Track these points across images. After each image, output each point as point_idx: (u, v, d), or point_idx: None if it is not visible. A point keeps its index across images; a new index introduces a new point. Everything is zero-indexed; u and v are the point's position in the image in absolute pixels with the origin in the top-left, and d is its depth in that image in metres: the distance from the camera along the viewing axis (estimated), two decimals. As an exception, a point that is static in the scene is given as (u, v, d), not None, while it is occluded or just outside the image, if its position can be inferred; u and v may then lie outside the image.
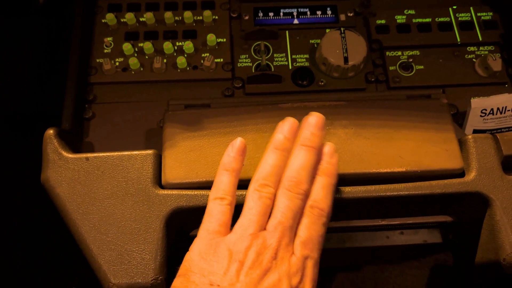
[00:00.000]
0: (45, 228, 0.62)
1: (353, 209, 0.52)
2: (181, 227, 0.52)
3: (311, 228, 0.43)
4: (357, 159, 0.52)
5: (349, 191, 0.50)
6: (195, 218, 0.52)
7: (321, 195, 0.45)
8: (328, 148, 0.47)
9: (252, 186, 0.45)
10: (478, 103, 0.56)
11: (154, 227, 0.48)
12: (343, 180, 0.50)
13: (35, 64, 0.69)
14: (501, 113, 0.57)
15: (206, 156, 0.51)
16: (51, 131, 0.52)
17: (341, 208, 0.50)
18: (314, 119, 0.47)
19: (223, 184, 0.45)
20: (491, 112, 0.57)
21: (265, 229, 0.43)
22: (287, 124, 0.47)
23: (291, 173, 0.45)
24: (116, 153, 0.51)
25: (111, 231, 0.48)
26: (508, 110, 0.57)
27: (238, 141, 0.47)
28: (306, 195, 0.45)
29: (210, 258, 0.41)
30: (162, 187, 0.51)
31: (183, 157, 0.51)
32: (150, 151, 0.51)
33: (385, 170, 0.51)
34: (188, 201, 0.49)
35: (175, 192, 0.49)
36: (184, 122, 0.53)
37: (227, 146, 0.51)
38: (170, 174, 0.51)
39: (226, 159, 0.46)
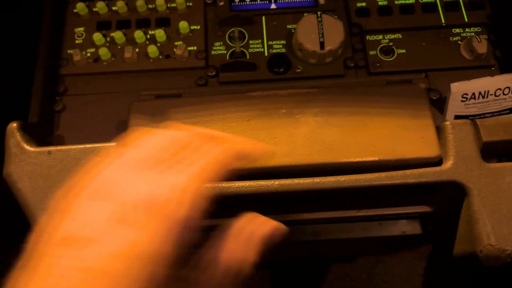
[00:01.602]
0: (11, 224, 0.61)
1: (325, 200, 0.51)
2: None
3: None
4: (328, 149, 0.49)
5: (318, 181, 0.48)
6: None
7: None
8: None
9: None
10: (458, 87, 0.54)
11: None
12: (313, 170, 0.49)
13: (6, 56, 0.68)
14: (483, 97, 0.54)
15: None
16: (14, 125, 0.51)
17: (312, 199, 0.49)
18: None
19: None
20: (473, 96, 0.54)
21: None
22: None
23: None
24: (78, 146, 0.49)
25: None
26: (491, 94, 0.54)
27: None
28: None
29: None
30: None
31: None
32: (113, 144, 0.49)
33: (357, 160, 0.49)
34: None
35: None
36: (150, 113, 0.52)
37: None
38: None
39: None
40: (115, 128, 0.59)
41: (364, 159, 0.49)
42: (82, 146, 0.49)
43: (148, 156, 0.32)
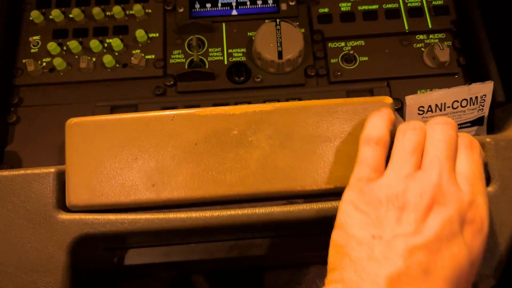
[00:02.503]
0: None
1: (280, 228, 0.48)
2: (93, 250, 0.48)
3: (471, 162, 0.37)
4: (281, 176, 0.44)
5: (271, 211, 0.43)
6: (105, 241, 0.47)
7: (470, 139, 0.39)
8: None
9: (397, 132, 0.39)
10: (413, 99, 0.51)
11: (58, 256, 0.42)
12: (265, 199, 0.45)
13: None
14: (440, 110, 0.52)
15: (110, 173, 0.44)
16: None
17: (265, 228, 0.46)
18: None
19: (376, 126, 0.39)
20: (430, 109, 0.52)
21: (420, 168, 0.36)
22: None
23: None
24: (12, 172, 0.44)
25: (12, 263, 0.42)
26: (448, 107, 0.52)
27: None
28: (457, 133, 0.38)
29: (366, 208, 0.35)
30: (68, 209, 0.44)
31: (87, 175, 0.44)
32: (51, 169, 0.44)
33: (312, 188, 0.44)
34: (92, 227, 0.42)
35: (77, 217, 0.43)
36: (88, 133, 0.45)
37: (136, 163, 0.44)
38: (74, 196, 0.43)
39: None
40: (71, 140, 0.57)
41: (319, 187, 0.44)
42: (16, 172, 0.44)
43: None
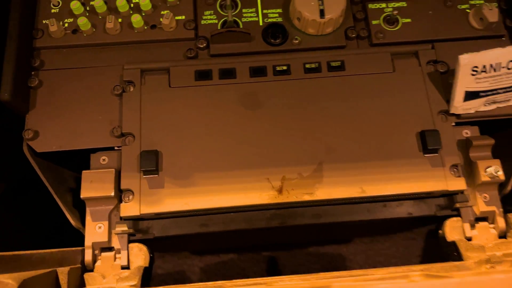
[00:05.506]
0: None
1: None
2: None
3: None
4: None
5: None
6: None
7: None
8: None
9: None
10: (467, 59, 0.50)
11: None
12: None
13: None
14: (495, 70, 0.50)
15: None
16: None
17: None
18: None
19: None
20: (484, 69, 0.50)
21: None
22: None
23: None
24: None
25: None
26: (503, 67, 0.50)
27: None
28: None
29: None
30: None
31: None
32: None
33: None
34: None
35: None
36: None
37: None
38: None
39: None
40: (96, 105, 0.54)
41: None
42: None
43: None
